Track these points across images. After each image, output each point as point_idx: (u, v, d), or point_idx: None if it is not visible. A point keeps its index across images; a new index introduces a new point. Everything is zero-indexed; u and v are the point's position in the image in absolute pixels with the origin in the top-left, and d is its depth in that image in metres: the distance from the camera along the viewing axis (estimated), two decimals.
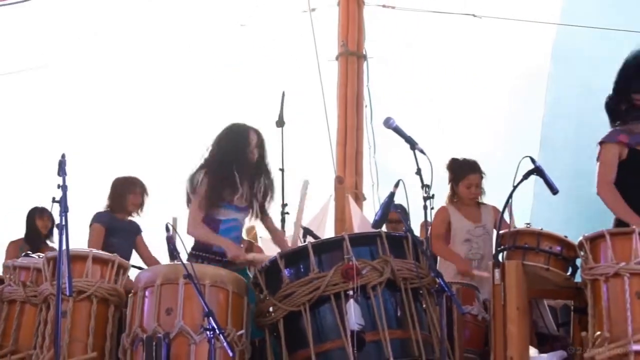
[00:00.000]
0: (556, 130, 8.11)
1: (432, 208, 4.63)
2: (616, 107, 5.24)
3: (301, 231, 5.68)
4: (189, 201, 5.37)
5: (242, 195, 5.30)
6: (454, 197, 6.31)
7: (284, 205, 6.67)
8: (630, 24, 7.61)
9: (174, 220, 5.85)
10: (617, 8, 7.78)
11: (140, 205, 6.91)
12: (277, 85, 6.77)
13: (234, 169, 5.28)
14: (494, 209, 6.20)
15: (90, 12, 7.99)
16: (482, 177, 6.26)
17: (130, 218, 6.93)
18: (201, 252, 5.26)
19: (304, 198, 5.77)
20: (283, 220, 6.06)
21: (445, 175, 6.28)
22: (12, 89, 8.27)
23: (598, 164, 5.21)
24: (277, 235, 5.68)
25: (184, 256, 4.66)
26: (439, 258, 6.04)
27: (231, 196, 5.29)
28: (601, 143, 5.21)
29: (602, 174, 5.14)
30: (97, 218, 6.75)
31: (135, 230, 6.92)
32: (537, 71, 8.24)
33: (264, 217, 5.55)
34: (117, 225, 6.77)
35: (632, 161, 5.11)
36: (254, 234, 7.10)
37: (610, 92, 5.29)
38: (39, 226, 7.31)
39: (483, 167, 6.37)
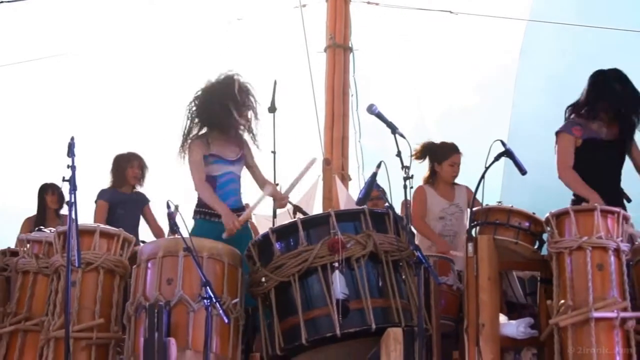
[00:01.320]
0: (523, 122, 8.07)
1: (411, 187, 4.62)
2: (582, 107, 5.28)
3: (292, 208, 5.63)
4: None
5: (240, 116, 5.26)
6: (431, 178, 6.28)
7: (275, 185, 6.60)
8: (596, 21, 7.60)
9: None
10: (583, 5, 7.75)
11: (139, 178, 6.87)
12: (270, 74, 6.72)
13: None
14: (467, 188, 6.20)
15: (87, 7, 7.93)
16: (461, 157, 6.27)
17: (136, 190, 6.90)
18: (204, 208, 5.26)
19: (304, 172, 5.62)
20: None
21: None
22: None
23: (556, 152, 5.29)
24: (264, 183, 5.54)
25: (184, 231, 4.63)
26: (416, 235, 6.02)
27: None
28: (557, 133, 5.29)
29: (561, 159, 5.26)
30: (101, 195, 6.77)
31: (142, 200, 6.90)
32: (507, 64, 8.23)
33: (253, 168, 5.47)
34: (121, 197, 6.76)
35: (585, 149, 5.22)
36: None
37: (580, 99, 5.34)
38: (48, 201, 7.21)
39: None
